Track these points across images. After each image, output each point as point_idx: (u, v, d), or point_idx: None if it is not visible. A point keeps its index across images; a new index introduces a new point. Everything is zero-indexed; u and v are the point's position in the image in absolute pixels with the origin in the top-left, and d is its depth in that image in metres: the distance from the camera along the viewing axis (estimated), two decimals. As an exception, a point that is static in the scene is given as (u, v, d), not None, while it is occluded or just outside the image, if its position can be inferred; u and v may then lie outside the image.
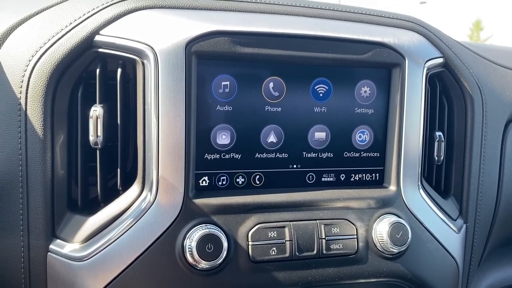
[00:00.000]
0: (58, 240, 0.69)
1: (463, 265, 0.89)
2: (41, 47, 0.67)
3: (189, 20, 0.70)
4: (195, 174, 0.72)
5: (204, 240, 0.67)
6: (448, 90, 0.89)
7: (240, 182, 0.75)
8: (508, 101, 0.95)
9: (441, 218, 0.84)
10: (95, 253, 0.67)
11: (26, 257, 0.68)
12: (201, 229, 0.68)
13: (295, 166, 0.78)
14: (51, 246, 0.68)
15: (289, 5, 0.77)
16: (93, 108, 0.68)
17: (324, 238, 0.74)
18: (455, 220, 0.88)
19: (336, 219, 0.76)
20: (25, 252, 0.68)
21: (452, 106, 0.90)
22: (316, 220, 0.75)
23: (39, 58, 0.67)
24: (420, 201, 0.82)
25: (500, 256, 1.08)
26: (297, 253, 0.72)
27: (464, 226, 0.89)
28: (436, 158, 0.87)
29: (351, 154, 0.80)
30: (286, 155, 0.77)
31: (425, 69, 0.81)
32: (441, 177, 0.90)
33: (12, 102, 0.67)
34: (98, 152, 0.70)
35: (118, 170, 0.71)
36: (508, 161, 0.95)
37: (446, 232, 0.85)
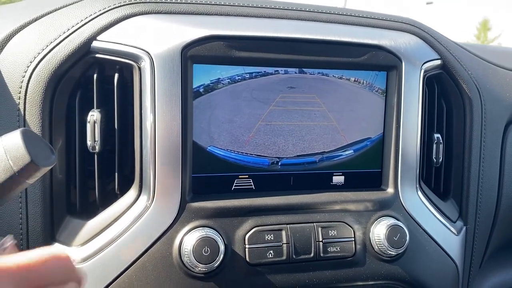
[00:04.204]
0: (57, 244, 0.69)
1: (463, 267, 0.88)
2: (39, 53, 0.68)
3: (185, 25, 0.70)
4: (192, 177, 0.72)
5: (201, 244, 0.67)
6: (446, 92, 0.89)
7: (237, 185, 0.76)
8: (508, 102, 0.95)
9: (440, 220, 0.84)
10: (93, 256, 0.68)
11: None
12: (198, 233, 0.68)
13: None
14: None
15: (285, 9, 0.78)
16: (90, 113, 0.69)
17: (321, 241, 0.74)
18: (454, 222, 0.87)
19: (333, 221, 0.76)
20: None
21: (451, 108, 0.89)
22: (313, 222, 0.75)
23: (37, 64, 0.67)
24: (418, 203, 0.82)
25: (502, 257, 1.07)
26: (294, 256, 0.73)
27: (464, 228, 0.88)
28: (435, 160, 0.86)
29: (349, 156, 0.80)
30: (284, 158, 0.77)
31: (422, 71, 0.81)
32: (440, 179, 0.90)
33: (11, 107, 0.67)
34: (96, 156, 0.70)
35: (116, 174, 0.71)
36: (508, 162, 0.94)
37: (445, 234, 0.84)
